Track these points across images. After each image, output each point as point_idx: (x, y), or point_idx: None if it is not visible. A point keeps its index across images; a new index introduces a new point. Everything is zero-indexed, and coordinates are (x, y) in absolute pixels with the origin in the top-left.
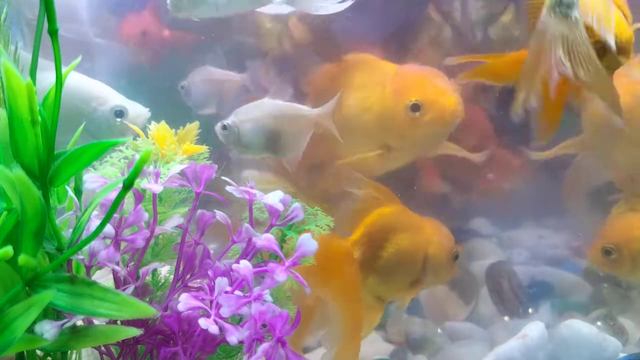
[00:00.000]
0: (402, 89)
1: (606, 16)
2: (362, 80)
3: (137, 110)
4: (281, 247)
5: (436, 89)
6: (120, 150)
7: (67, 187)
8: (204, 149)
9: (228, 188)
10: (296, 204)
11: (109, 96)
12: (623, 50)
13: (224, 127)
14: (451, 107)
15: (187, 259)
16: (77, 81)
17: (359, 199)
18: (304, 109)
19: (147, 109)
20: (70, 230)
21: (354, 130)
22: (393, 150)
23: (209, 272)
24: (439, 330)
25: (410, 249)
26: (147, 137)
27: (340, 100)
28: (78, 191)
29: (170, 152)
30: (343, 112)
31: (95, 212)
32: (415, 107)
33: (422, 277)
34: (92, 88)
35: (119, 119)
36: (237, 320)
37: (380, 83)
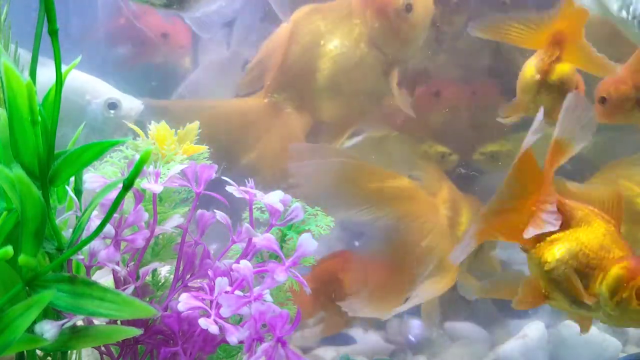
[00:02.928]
0: (384, 1)
1: None
2: (330, 25)
3: (130, 102)
4: (281, 247)
5: None
6: (120, 150)
7: (67, 187)
8: (204, 148)
9: (228, 188)
10: (296, 204)
11: (102, 89)
12: None
13: None
14: None
15: (187, 259)
16: (71, 75)
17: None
18: None
19: (141, 102)
20: (70, 230)
21: (355, 66)
22: (397, 61)
23: (209, 272)
24: (439, 330)
25: None
26: (147, 137)
27: (317, 56)
28: (78, 191)
29: (170, 152)
30: (333, 63)
31: (95, 212)
32: (409, 8)
33: None
34: (86, 82)
35: (112, 111)
36: (237, 320)
37: (349, 15)
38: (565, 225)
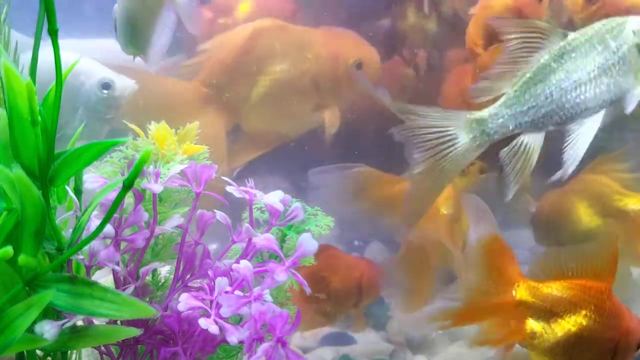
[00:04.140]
0: (340, 51)
1: None
2: (285, 48)
3: (124, 82)
4: (281, 247)
5: (367, 47)
6: (120, 150)
7: (67, 187)
8: (204, 148)
9: (228, 188)
10: (296, 204)
11: (96, 70)
12: None
13: None
14: (379, 60)
15: (187, 259)
16: (65, 57)
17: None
18: None
19: (134, 81)
20: (70, 230)
21: (291, 95)
22: (324, 107)
23: (209, 272)
24: (439, 330)
25: None
26: (147, 137)
27: (260, 71)
28: (78, 191)
29: (170, 152)
30: (272, 84)
31: (95, 212)
32: (359, 66)
33: None
34: (80, 62)
35: (106, 91)
36: (237, 320)
37: (305, 48)
38: (548, 313)
